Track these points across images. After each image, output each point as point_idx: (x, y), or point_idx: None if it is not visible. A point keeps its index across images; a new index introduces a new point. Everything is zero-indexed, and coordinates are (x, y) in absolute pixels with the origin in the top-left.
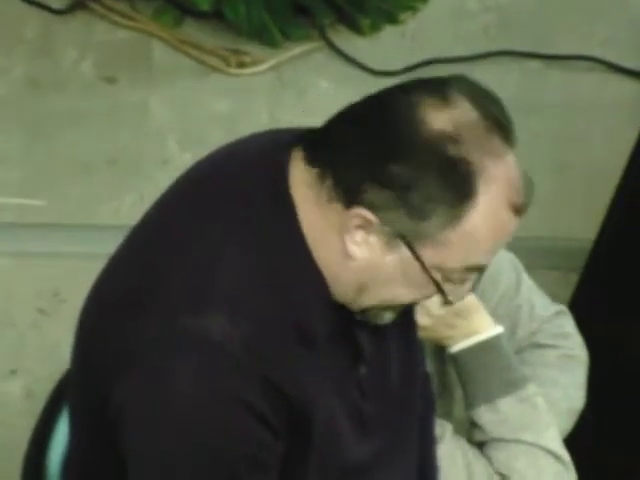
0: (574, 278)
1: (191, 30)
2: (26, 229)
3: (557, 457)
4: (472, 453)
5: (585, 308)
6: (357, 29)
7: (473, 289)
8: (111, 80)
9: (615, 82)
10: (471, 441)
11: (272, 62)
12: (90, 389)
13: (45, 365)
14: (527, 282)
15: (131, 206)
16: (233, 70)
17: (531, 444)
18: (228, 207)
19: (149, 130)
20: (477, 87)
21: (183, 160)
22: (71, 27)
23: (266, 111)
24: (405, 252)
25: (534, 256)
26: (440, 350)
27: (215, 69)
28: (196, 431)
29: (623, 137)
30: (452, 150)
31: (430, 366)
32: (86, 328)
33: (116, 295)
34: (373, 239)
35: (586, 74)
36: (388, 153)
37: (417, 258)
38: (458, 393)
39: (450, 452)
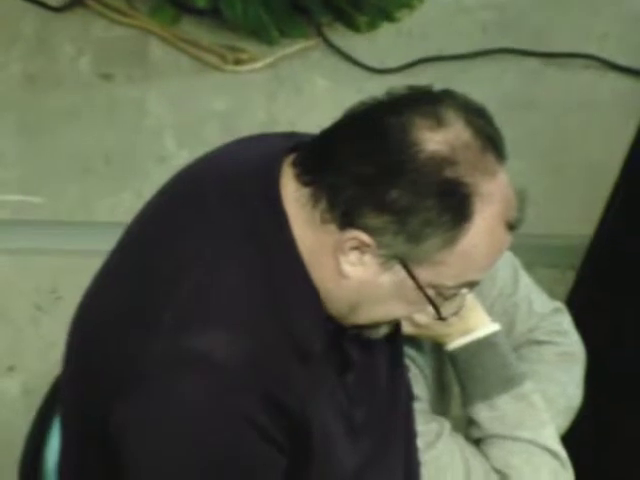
0: (572, 275)
1: (188, 27)
2: (23, 226)
3: (554, 454)
4: (469, 450)
5: (582, 305)
6: (354, 27)
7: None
8: (108, 77)
9: (612, 79)
10: (469, 438)
11: (269, 59)
12: (87, 403)
13: (43, 362)
14: (525, 279)
15: (128, 203)
16: (230, 67)
17: (528, 441)
18: (223, 222)
19: (146, 127)
20: (467, 102)
21: (180, 157)
22: (68, 24)
23: (263, 108)
24: (400, 272)
25: (532, 253)
26: (437, 348)
27: (212, 66)
28: (200, 449)
29: (620, 134)
30: (449, 173)
31: (428, 364)
32: (83, 342)
33: (116, 312)
34: (368, 259)
35: (583, 72)
36: (385, 178)
37: (413, 278)
38: (456, 390)
39: (448, 449)
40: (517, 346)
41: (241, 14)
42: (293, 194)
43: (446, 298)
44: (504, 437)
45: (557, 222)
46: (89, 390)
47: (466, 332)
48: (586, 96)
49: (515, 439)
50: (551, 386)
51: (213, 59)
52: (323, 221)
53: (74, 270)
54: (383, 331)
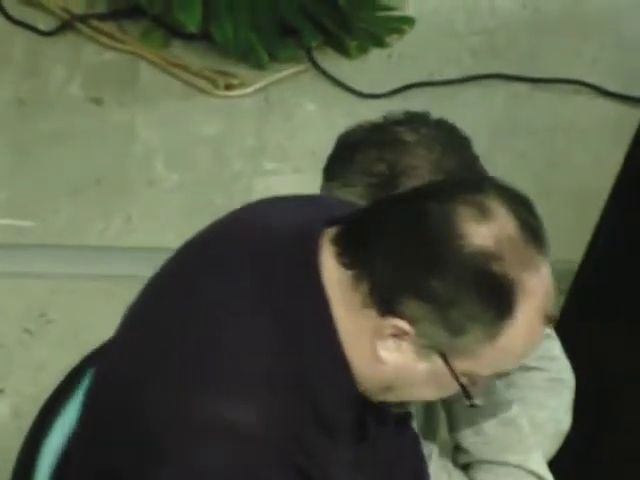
0: (560, 300)
1: (178, 51)
2: (13, 249)
3: (541, 479)
4: (457, 474)
5: (571, 330)
6: (344, 51)
7: None
8: (98, 101)
9: (601, 105)
10: (456, 463)
11: (259, 84)
12: (99, 454)
13: (32, 385)
14: None
15: (117, 227)
16: (220, 92)
17: (515, 466)
18: (257, 289)
19: (136, 151)
20: (510, 191)
21: (170, 181)
22: (59, 48)
23: (253, 133)
24: (437, 361)
25: None
26: None
27: (202, 91)
28: None
29: (609, 159)
30: (494, 267)
31: None
32: (99, 408)
33: (135, 375)
34: (405, 346)
35: (572, 97)
36: (430, 268)
37: (450, 369)
38: (443, 415)
39: (435, 473)
40: None
41: (231, 38)
42: (334, 275)
43: (475, 383)
44: (491, 462)
45: None
46: (103, 441)
47: None
48: (575, 121)
49: (502, 464)
50: (540, 412)
51: (203, 84)
52: (364, 305)
53: (64, 293)
54: (408, 406)
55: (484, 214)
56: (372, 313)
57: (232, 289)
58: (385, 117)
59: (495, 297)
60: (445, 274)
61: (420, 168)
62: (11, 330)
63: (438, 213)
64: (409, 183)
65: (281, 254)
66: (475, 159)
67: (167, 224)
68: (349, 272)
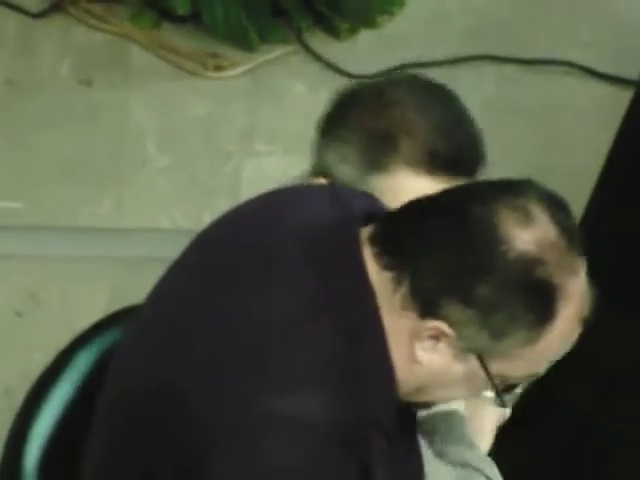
0: None
1: (169, 33)
2: (3, 231)
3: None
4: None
5: None
6: (334, 32)
7: None
8: (89, 83)
9: (592, 86)
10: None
11: (249, 65)
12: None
13: (22, 366)
14: None
15: (108, 208)
16: (210, 73)
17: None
18: (310, 292)
19: (127, 132)
20: (549, 195)
21: (161, 162)
22: (49, 30)
23: (243, 114)
24: (474, 362)
25: None
26: None
27: (192, 72)
28: None
29: (600, 140)
30: (538, 273)
31: None
32: (144, 411)
33: (194, 374)
34: (442, 347)
35: (563, 78)
36: (473, 273)
37: (486, 371)
38: None
39: None
40: None
41: (222, 20)
42: (375, 276)
43: (506, 386)
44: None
45: None
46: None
47: None
48: (566, 102)
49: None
50: None
51: (193, 65)
52: (403, 307)
53: (53, 275)
54: (433, 406)
55: (527, 219)
56: (411, 314)
57: (283, 291)
58: (385, 79)
59: (538, 302)
60: (489, 279)
61: (417, 126)
62: (1, 311)
63: (481, 217)
64: (406, 145)
65: (329, 254)
66: (465, 111)
67: (158, 205)
68: (389, 273)
